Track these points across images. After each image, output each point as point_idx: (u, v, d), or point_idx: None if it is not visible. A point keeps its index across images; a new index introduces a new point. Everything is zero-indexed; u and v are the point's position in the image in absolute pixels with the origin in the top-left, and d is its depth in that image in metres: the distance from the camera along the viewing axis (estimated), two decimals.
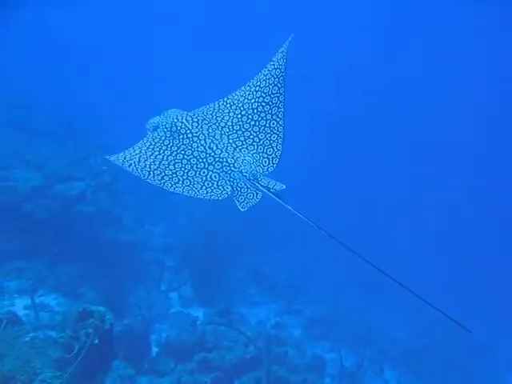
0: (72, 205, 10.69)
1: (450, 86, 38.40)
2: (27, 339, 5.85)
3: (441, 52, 40.63)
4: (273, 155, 4.70)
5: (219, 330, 10.47)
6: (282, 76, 4.71)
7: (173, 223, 14.89)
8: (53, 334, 8.16)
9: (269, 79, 4.75)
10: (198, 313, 11.77)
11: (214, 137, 4.67)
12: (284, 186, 4.38)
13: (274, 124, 4.76)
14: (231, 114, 4.82)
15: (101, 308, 7.28)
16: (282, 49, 4.72)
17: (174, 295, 12.39)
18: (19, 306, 9.19)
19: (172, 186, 4.46)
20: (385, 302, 16.23)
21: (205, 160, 4.57)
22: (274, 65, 4.73)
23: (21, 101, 16.09)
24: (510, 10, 29.22)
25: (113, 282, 10.73)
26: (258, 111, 4.78)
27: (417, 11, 38.76)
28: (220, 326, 10.57)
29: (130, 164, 4.45)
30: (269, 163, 4.68)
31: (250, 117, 4.78)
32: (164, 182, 4.44)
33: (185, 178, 4.50)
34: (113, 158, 4.56)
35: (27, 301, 9.29)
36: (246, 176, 4.49)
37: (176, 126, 4.70)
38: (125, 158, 4.52)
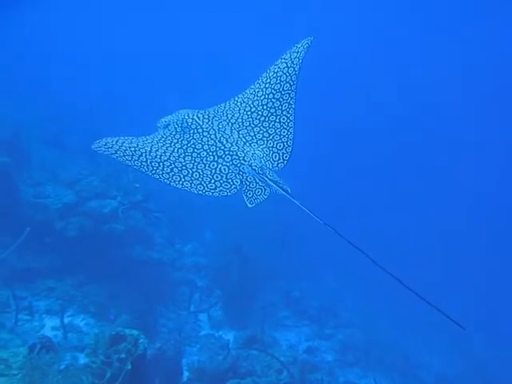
0: (104, 223, 10.49)
1: (452, 86, 37.96)
2: (62, 367, 5.59)
3: (442, 52, 40.38)
4: (283, 150, 4.72)
5: (252, 355, 10.10)
6: (296, 75, 4.78)
7: (204, 242, 14.59)
8: (81, 355, 7.97)
9: (280, 76, 4.79)
10: (229, 336, 11.39)
11: (224, 132, 4.69)
12: (289, 190, 4.36)
13: (284, 119, 4.79)
14: (241, 111, 4.87)
15: (134, 331, 7.07)
16: (297, 49, 4.80)
17: (203, 317, 12.03)
18: (48, 326, 8.99)
19: (181, 180, 4.40)
20: (418, 329, 15.74)
21: (215, 153, 4.56)
22: (286, 63, 4.78)
23: (51, 115, 16.17)
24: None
25: (142, 302, 10.46)
26: (267, 107, 4.83)
27: (418, 11, 38.70)
28: (252, 351, 10.22)
29: (141, 154, 4.37)
30: (279, 158, 4.69)
31: (260, 113, 4.83)
32: (173, 175, 4.39)
33: (194, 170, 4.46)
34: (109, 141, 4.37)
35: (56, 321, 9.09)
36: (255, 170, 4.47)
37: (187, 122, 4.74)
38: (137, 145, 4.42)
